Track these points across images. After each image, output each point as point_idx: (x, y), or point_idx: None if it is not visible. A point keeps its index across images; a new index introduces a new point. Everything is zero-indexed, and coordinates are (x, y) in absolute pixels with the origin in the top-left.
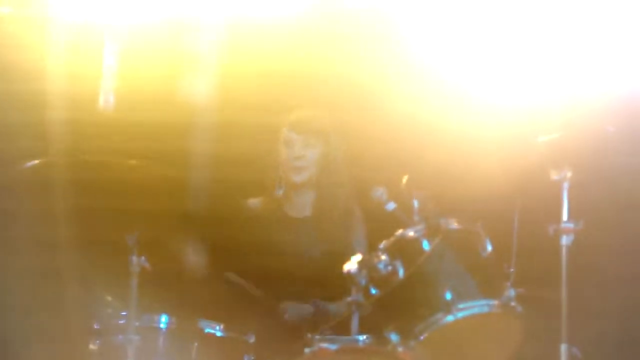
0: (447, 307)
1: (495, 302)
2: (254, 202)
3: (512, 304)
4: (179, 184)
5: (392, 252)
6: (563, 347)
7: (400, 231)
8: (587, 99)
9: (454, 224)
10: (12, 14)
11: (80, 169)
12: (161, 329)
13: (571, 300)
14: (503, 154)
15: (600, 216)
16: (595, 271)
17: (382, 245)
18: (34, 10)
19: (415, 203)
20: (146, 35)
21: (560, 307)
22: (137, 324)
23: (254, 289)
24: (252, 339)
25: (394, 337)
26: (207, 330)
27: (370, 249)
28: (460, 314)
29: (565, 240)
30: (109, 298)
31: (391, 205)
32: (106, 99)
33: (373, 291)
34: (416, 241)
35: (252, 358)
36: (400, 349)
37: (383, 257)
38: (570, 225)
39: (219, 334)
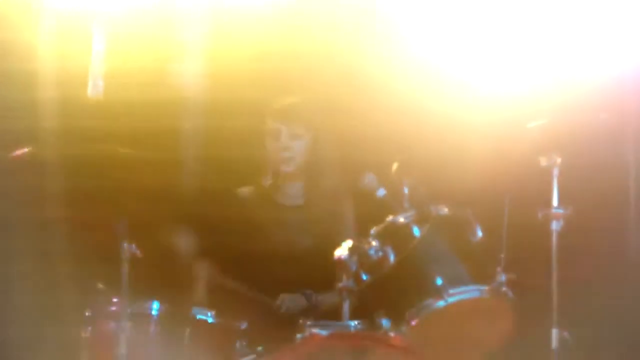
0: (438, 293)
1: (486, 287)
2: (244, 190)
3: (503, 289)
4: (169, 171)
5: (382, 238)
6: (554, 332)
7: (390, 217)
8: (576, 85)
9: (445, 210)
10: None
11: (70, 155)
12: (153, 315)
13: (561, 285)
14: (493, 139)
15: (590, 201)
16: (585, 256)
17: (372, 231)
18: None
19: (406, 189)
20: (136, 21)
21: (551, 291)
22: (128, 310)
23: (246, 290)
24: (244, 326)
25: (385, 323)
26: (199, 316)
27: (361, 235)
28: (451, 299)
29: (555, 226)
30: (100, 285)
31: (381, 192)
32: (95, 84)
33: (364, 277)
34: (407, 227)
35: (244, 344)
36: (391, 334)
37: (374, 243)
38: (560, 211)
39: (210, 320)
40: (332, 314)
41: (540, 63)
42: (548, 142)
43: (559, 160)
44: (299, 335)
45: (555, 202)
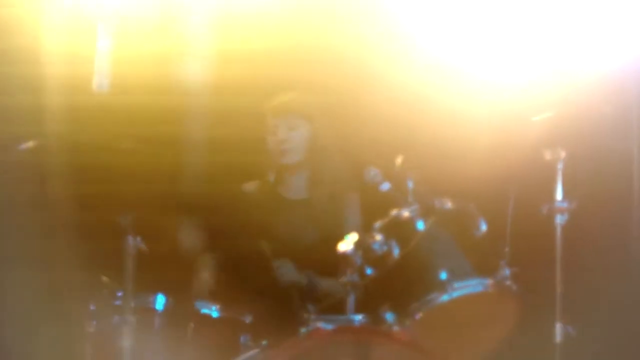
0: (442, 287)
1: (490, 281)
2: (249, 185)
3: (507, 282)
4: (174, 166)
5: (387, 232)
6: (558, 326)
7: (394, 211)
8: (581, 78)
9: (449, 204)
10: None
11: (76, 151)
12: (157, 310)
13: (565, 279)
14: (497, 133)
15: (594, 195)
16: (589, 249)
17: (376, 225)
18: None
19: (410, 183)
20: (142, 16)
21: (555, 285)
22: (133, 305)
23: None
24: (248, 320)
25: (389, 317)
26: (203, 310)
27: (365, 229)
28: (455, 293)
29: (559, 219)
30: (105, 279)
31: (385, 186)
32: (100, 81)
33: (368, 271)
34: (411, 221)
35: (249, 338)
36: (395, 328)
37: (378, 237)
38: (564, 205)
39: (215, 314)
40: (337, 308)
41: (545, 56)
42: (552, 136)
43: (563, 153)
44: (303, 329)
45: (559, 196)
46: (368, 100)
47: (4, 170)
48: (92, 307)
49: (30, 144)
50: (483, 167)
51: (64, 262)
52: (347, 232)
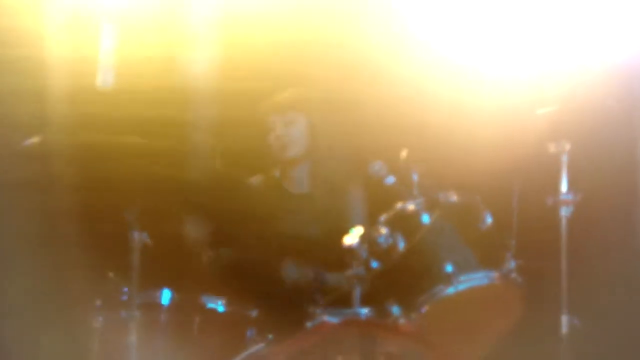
0: (448, 279)
1: (496, 273)
2: (255, 179)
3: (513, 275)
4: (179, 162)
5: (392, 225)
6: (563, 318)
7: (400, 205)
8: (585, 72)
9: (454, 197)
10: None
11: (80, 148)
12: (163, 304)
13: (571, 271)
14: (502, 126)
15: (599, 187)
16: (594, 242)
17: (382, 218)
18: None
19: (415, 177)
20: (145, 11)
21: (560, 278)
22: (138, 300)
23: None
24: (254, 314)
25: (395, 310)
26: (209, 305)
27: (370, 222)
28: (460, 286)
29: (564, 212)
30: (111, 274)
31: (390, 179)
32: (104, 79)
33: (374, 264)
34: (416, 214)
35: (254, 332)
36: (401, 321)
37: (383, 230)
38: (569, 197)
39: (221, 309)
40: (342, 301)
41: (549, 50)
42: (557, 129)
43: (567, 146)
44: (309, 323)
45: (564, 189)
46: (373, 94)
47: (9, 166)
48: (98, 303)
49: (34, 140)
50: (488, 160)
51: (70, 258)
52: (353, 225)
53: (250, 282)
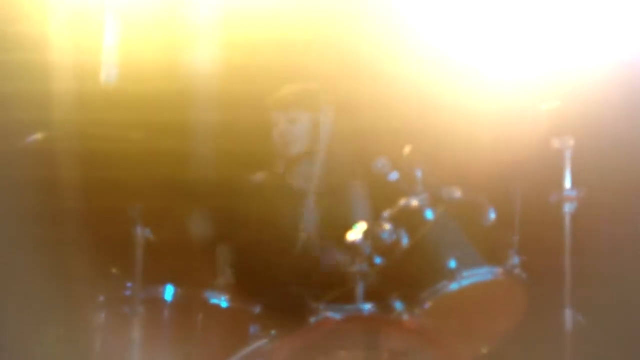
0: (451, 275)
1: (499, 269)
2: (258, 176)
3: (516, 271)
4: (183, 156)
5: (395, 221)
6: (567, 314)
7: (403, 201)
8: (589, 67)
9: (457, 193)
10: None
11: (84, 141)
12: (166, 300)
13: (574, 267)
14: (505, 122)
15: (602, 183)
16: (598, 238)
17: (385, 214)
18: None
19: (418, 173)
20: (149, 9)
21: (564, 274)
22: (142, 295)
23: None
24: (257, 310)
25: (398, 306)
26: (212, 301)
27: (374, 218)
28: (464, 282)
29: (567, 208)
30: (114, 270)
31: (394, 175)
32: (109, 72)
33: (377, 260)
34: (419, 210)
35: (258, 328)
36: (405, 317)
37: (387, 226)
38: (573, 193)
39: (224, 304)
40: (346, 297)
41: (553, 45)
42: (561, 124)
43: (571, 142)
44: (312, 319)
45: (567, 184)
46: (376, 91)
47: (13, 162)
48: (101, 298)
49: (39, 135)
50: (491, 156)
51: (73, 253)
52: (356, 221)
53: (253, 277)
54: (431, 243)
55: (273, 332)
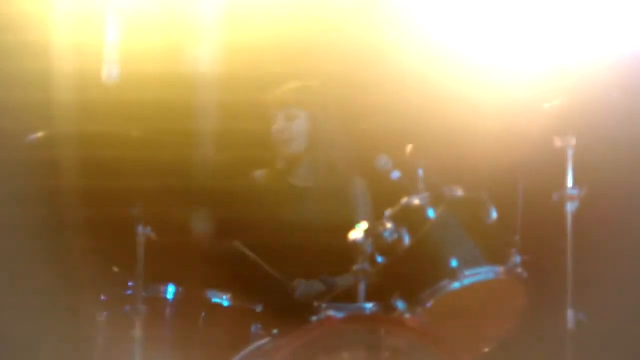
0: (453, 274)
1: (501, 268)
2: (259, 173)
3: (518, 270)
4: (184, 155)
5: (397, 220)
6: (569, 313)
7: (405, 199)
8: (591, 65)
9: (459, 192)
10: None
11: (85, 142)
12: (168, 299)
13: (576, 267)
14: (507, 120)
15: (605, 182)
16: (600, 237)
17: (387, 213)
18: None
19: (420, 171)
20: (150, 5)
21: (566, 273)
22: (144, 294)
23: (262, 263)
24: (259, 309)
25: (400, 305)
26: (214, 300)
27: (376, 217)
28: (466, 281)
29: (570, 207)
30: (116, 269)
31: (396, 174)
32: (110, 72)
33: (379, 259)
34: (421, 209)
35: (260, 327)
36: (406, 317)
37: (388, 225)
38: (575, 192)
39: (226, 303)
40: (347, 297)
41: (555, 43)
42: (563, 123)
43: (573, 141)
44: (314, 318)
45: (570, 183)
46: (378, 89)
47: (14, 159)
48: (102, 297)
49: (39, 135)
50: (493, 155)
51: (74, 253)
52: (358, 220)
53: (255, 276)
54: (433, 242)
55: (275, 331)
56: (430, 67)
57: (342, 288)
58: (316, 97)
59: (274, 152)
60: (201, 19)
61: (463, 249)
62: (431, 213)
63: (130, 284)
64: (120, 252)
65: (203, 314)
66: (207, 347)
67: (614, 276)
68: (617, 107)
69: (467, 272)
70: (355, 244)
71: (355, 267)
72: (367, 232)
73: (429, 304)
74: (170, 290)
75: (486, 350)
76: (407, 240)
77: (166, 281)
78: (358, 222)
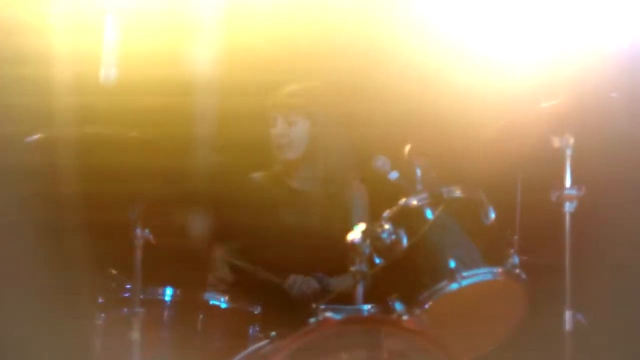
0: (451, 275)
1: (499, 269)
2: (257, 175)
3: (516, 271)
4: (183, 158)
5: (395, 221)
6: (567, 314)
7: (403, 200)
8: (589, 64)
9: (457, 192)
10: None
11: (83, 144)
12: (166, 301)
13: (575, 267)
14: (505, 120)
15: (603, 182)
16: (598, 237)
17: (385, 214)
18: None
19: (418, 172)
20: (148, 6)
21: (564, 273)
22: (141, 296)
23: (259, 271)
24: (257, 310)
25: (398, 306)
26: (212, 302)
27: (374, 218)
28: (464, 282)
29: (568, 207)
30: (113, 271)
31: (394, 175)
32: (107, 75)
33: (377, 260)
34: (419, 210)
35: (257, 329)
36: (405, 318)
37: (386, 226)
38: (573, 192)
39: (223, 305)
40: (346, 298)
41: (553, 42)
42: (561, 122)
43: (572, 140)
44: (312, 320)
45: (568, 183)
46: (376, 89)
47: (12, 160)
48: (100, 300)
49: (37, 136)
50: (491, 155)
51: (72, 255)
52: (356, 221)
53: (253, 279)
54: (431, 243)
55: (273, 333)
56: (428, 68)
57: (338, 289)
58: (316, 101)
59: (273, 155)
60: (200, 22)
61: (461, 249)
62: (429, 214)
63: (128, 286)
64: (118, 254)
65: (201, 316)
66: (205, 350)
67: (612, 277)
68: (616, 107)
69: (465, 273)
70: (353, 245)
71: (353, 268)
72: (365, 233)
73: (427, 305)
74: (168, 293)
75: (485, 351)
76: (405, 241)
77: (164, 283)
78: (356, 223)
